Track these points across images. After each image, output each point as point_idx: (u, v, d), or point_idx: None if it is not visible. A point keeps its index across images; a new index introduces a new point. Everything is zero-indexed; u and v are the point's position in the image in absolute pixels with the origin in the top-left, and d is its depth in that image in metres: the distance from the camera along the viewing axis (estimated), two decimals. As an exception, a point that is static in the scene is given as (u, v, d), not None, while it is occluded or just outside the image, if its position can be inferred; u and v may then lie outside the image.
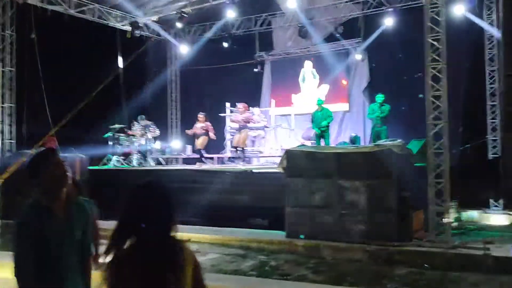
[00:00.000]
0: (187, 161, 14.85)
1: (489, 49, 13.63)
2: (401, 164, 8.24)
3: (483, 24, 13.45)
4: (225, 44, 17.14)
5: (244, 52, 17.18)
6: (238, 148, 12.17)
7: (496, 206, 12.93)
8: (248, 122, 12.21)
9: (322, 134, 12.49)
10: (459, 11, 13.35)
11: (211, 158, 13.33)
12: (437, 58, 8.30)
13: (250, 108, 14.28)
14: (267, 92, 17.06)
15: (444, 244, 7.91)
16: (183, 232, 7.51)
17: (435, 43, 8.33)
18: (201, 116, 13.07)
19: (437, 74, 8.26)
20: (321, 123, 12.49)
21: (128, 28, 15.98)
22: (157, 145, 14.42)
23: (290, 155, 9.13)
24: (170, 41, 17.90)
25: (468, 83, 13.75)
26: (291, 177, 9.10)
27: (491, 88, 13.57)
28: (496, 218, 12.09)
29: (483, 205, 12.74)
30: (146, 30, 17.02)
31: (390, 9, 14.69)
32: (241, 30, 17.03)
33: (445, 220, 8.21)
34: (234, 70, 17.20)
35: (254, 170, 11.16)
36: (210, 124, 13.10)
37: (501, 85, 8.56)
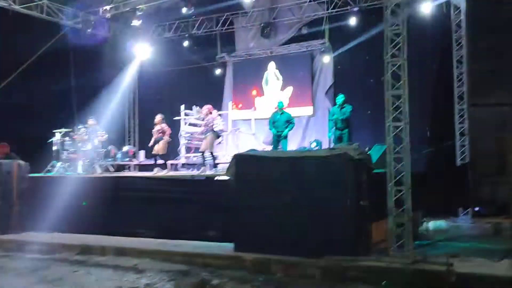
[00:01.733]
0: (139, 167, 13.90)
1: (457, 50, 13.04)
2: (359, 170, 7.48)
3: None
4: (186, 45, 16.36)
5: (205, 53, 16.41)
6: (204, 154, 11.20)
7: (465, 215, 12.35)
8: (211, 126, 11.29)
9: (279, 139, 11.64)
10: (426, 9, 12.76)
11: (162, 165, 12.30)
12: (396, 53, 7.57)
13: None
14: (228, 95, 16.26)
15: (404, 258, 7.16)
16: (125, 246, 6.69)
17: (395, 37, 7.61)
18: (157, 117, 12.11)
19: (396, 70, 7.53)
20: (280, 129, 11.67)
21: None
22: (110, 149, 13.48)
23: (238, 161, 8.31)
24: (128, 41, 16.99)
25: (436, 86, 13.18)
26: (240, 185, 8.28)
27: (460, 91, 12.97)
28: (465, 228, 11.44)
29: (451, 214, 12.17)
30: (101, 29, 16.10)
31: (355, 9, 14.06)
32: (202, 30, 16.23)
33: (406, 232, 7.47)
34: (195, 72, 16.51)
35: (210, 178, 10.30)
36: (165, 125, 12.16)
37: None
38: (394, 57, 7.58)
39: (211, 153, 11.07)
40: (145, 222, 10.05)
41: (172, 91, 16.76)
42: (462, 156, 12.87)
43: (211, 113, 11.41)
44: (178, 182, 10.21)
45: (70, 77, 14.99)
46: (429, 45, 13.16)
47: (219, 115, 13.23)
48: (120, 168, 13.72)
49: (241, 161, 8.29)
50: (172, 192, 9.96)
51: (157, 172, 11.52)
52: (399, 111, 7.50)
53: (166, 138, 11.95)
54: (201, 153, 11.22)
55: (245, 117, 15.14)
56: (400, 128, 7.50)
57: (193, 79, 16.44)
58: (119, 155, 13.77)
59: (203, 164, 11.05)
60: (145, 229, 10.01)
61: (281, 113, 12.00)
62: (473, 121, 6.64)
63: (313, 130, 14.67)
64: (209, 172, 10.66)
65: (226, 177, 8.72)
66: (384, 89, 7.69)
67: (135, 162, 13.83)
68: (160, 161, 12.05)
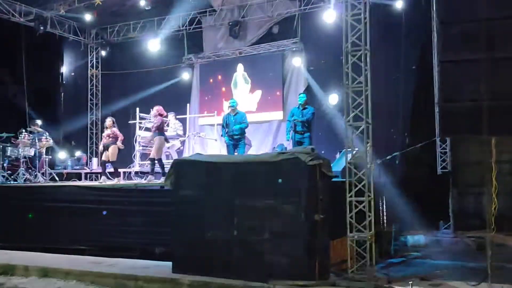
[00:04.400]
0: (89, 176, 12.69)
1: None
2: (313, 177, 6.35)
3: None
4: (151, 46, 15.31)
5: (171, 55, 15.38)
6: (155, 160, 10.05)
7: (446, 228, 11.30)
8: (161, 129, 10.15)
9: (236, 143, 10.44)
10: (398, 5, 11.85)
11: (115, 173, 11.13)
12: (357, 41, 6.50)
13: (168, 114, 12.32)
14: (195, 99, 15.18)
15: (365, 283, 6.05)
16: (52, 266, 5.40)
17: (355, 23, 6.55)
18: (108, 121, 10.94)
19: (357, 62, 6.45)
20: (233, 130, 10.44)
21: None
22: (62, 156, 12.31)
23: (178, 167, 7.17)
24: (88, 41, 15.96)
25: (416, 88, 12.16)
26: (180, 195, 7.14)
27: (441, 94, 11.90)
28: (446, 243, 10.36)
29: (432, 228, 10.98)
30: (59, 28, 14.99)
31: (329, 5, 13.05)
32: (168, 30, 15.17)
33: (369, 250, 6.38)
34: (161, 74, 15.44)
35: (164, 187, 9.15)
36: (117, 130, 11.04)
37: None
38: (355, 46, 6.51)
39: (160, 159, 9.95)
40: (83, 237, 8.91)
41: (136, 94, 15.62)
42: (443, 164, 11.83)
43: (161, 115, 10.30)
44: (121, 192, 9.07)
45: (22, 78, 13.90)
46: (407, 43, 12.17)
47: (177, 119, 12.21)
48: (71, 176, 12.53)
49: (180, 167, 7.16)
50: (115, 203, 8.80)
51: (104, 181, 10.41)
52: (360, 109, 6.42)
53: (119, 143, 10.82)
54: (150, 160, 10.09)
55: (210, 122, 14.05)
56: (361, 129, 6.41)
57: (159, 82, 15.36)
58: (69, 163, 12.60)
59: (150, 172, 9.94)
60: (83, 245, 8.87)
61: (234, 114, 10.77)
62: (447, 119, 5.56)
63: (284, 136, 13.54)
64: (155, 181, 9.56)
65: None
66: (343, 83, 6.63)
67: (86, 170, 12.65)
68: (109, 169, 10.91)
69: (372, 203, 6.37)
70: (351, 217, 6.41)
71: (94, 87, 16.59)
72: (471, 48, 5.69)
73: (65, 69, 15.76)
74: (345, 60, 6.54)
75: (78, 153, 13.57)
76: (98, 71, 16.63)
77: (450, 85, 5.80)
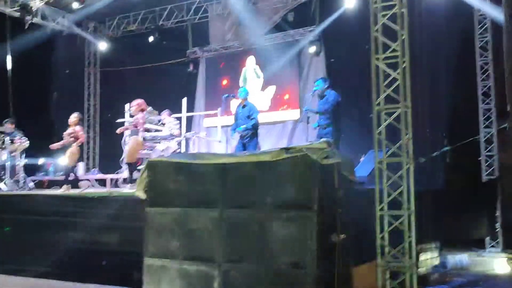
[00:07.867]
0: (75, 184, 11.10)
1: (480, 34, 10.30)
2: (329, 182, 4.61)
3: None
4: (152, 39, 13.86)
5: (175, 48, 13.91)
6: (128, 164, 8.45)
7: (493, 246, 9.76)
8: (136, 127, 8.59)
9: (244, 142, 8.70)
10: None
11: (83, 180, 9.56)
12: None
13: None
14: (201, 96, 13.65)
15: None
16: None
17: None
18: (73, 117, 9.32)
19: (391, 25, 4.68)
20: (241, 126, 8.72)
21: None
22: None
23: (152, 170, 5.49)
24: (86, 35, 14.55)
25: (456, 79, 10.44)
26: (154, 207, 5.45)
27: (484, 86, 10.17)
28: (493, 264, 8.85)
29: (476, 246, 9.66)
30: (52, 21, 13.56)
31: (352, -13, 11.39)
32: (171, 21, 13.78)
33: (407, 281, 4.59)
34: (164, 70, 13.99)
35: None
36: (81, 128, 9.42)
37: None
38: (386, 2, 4.75)
39: (129, 164, 8.35)
40: (48, 257, 7.26)
41: (137, 93, 13.98)
42: (489, 170, 10.03)
43: (142, 110, 8.72)
44: (92, 202, 7.39)
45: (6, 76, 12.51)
46: (445, 28, 10.49)
47: (175, 118, 10.63)
48: (52, 184, 10.94)
49: (155, 171, 5.48)
50: (85, 215, 7.15)
51: (66, 190, 8.86)
52: (394, 86, 4.64)
53: (75, 146, 9.16)
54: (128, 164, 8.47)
55: (216, 123, 12.42)
56: (397, 114, 4.63)
57: (162, 79, 13.90)
58: (52, 168, 11.09)
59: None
60: (48, 267, 7.24)
61: (243, 106, 9.01)
62: None
63: (301, 138, 11.83)
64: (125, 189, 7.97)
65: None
66: (371, 55, 4.87)
67: (72, 177, 11.02)
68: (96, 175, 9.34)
69: (413, 218, 4.57)
70: (382, 238, 4.61)
71: (92, 85, 15.14)
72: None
73: (58, 66, 14.29)
74: (372, 20, 4.77)
75: (61, 159, 11.92)
76: (96, 68, 15.20)
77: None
